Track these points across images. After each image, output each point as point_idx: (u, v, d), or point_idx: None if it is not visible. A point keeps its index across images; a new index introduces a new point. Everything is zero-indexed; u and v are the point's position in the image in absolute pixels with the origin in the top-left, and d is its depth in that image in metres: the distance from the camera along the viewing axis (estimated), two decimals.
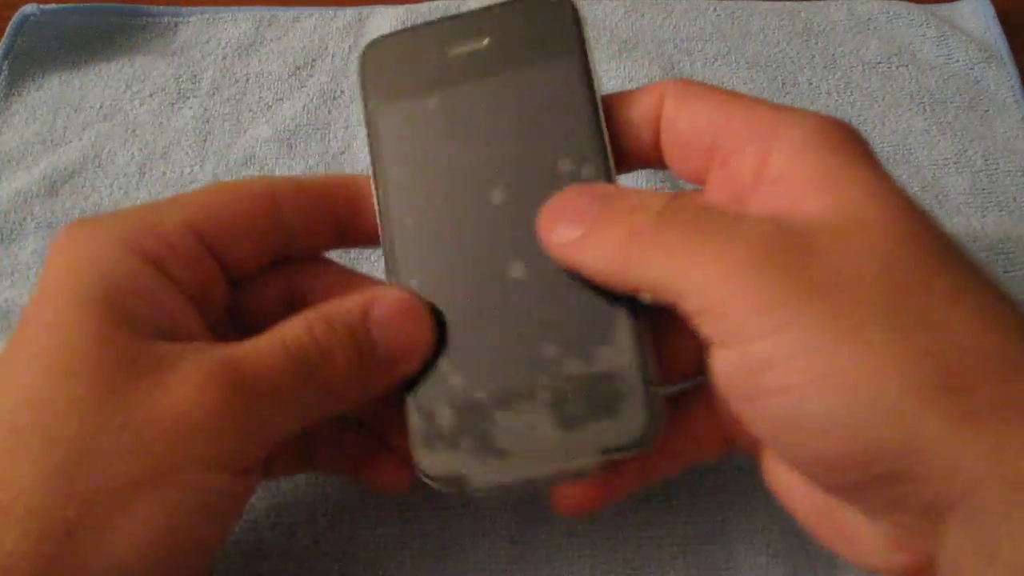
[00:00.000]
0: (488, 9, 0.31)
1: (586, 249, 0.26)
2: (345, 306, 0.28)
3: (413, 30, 0.32)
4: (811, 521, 0.27)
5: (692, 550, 0.33)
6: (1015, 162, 0.44)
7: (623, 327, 0.27)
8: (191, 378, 0.25)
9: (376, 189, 0.30)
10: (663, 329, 0.28)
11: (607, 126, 0.29)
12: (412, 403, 0.28)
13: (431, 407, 0.28)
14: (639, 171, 0.36)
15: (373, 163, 0.31)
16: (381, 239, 0.30)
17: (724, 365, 0.24)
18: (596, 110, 0.29)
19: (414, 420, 0.28)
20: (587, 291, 0.27)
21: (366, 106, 0.31)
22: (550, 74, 0.30)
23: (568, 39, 0.30)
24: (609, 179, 0.28)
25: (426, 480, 0.28)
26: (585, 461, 0.27)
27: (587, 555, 0.32)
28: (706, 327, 0.24)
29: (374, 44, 0.32)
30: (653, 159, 0.29)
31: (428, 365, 0.28)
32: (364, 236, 0.31)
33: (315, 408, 0.27)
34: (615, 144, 0.29)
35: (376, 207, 0.30)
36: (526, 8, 0.31)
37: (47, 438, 0.24)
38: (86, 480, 0.24)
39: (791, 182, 0.24)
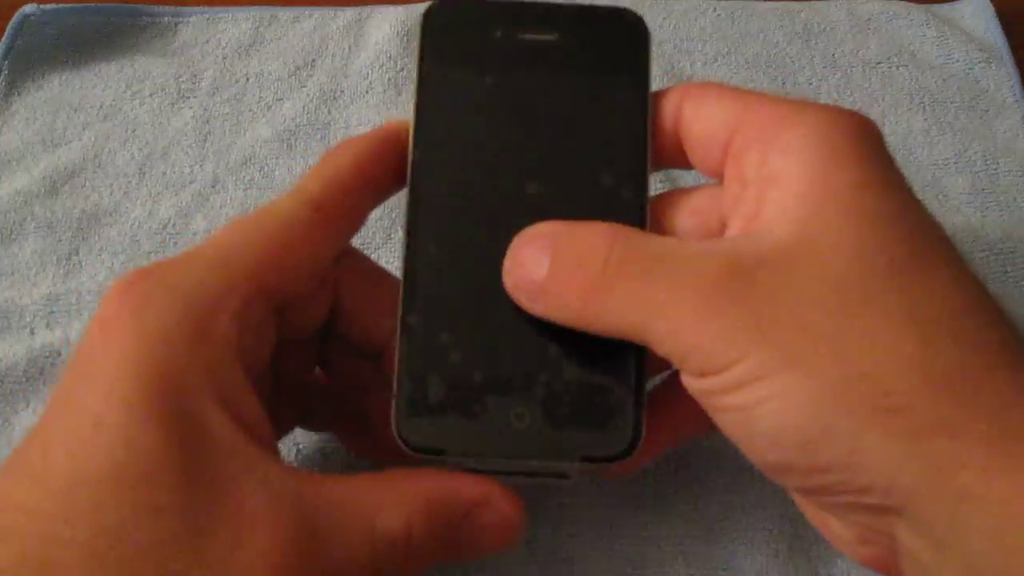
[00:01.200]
0: (568, 6, 0.31)
1: (547, 306, 0.26)
2: (452, 505, 0.26)
3: (485, 1, 0.31)
4: (802, 508, 0.28)
5: (692, 550, 0.33)
6: (1015, 162, 0.44)
7: (627, 345, 0.27)
8: (268, 542, 0.23)
9: (413, 149, 0.30)
10: None
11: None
12: (404, 367, 0.28)
13: (424, 376, 0.28)
14: None
15: (416, 123, 0.30)
16: (408, 201, 0.29)
17: (691, 388, 0.26)
18: (647, 138, 0.29)
19: (403, 384, 0.28)
20: None
21: (421, 65, 0.31)
22: (611, 88, 0.30)
23: (635, 60, 0.30)
24: (643, 200, 0.29)
25: (401, 446, 0.28)
26: (564, 464, 0.27)
27: (587, 555, 0.32)
28: (675, 363, 0.25)
29: (444, 4, 0.31)
30: (678, 161, 0.29)
31: (431, 335, 0.28)
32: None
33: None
34: None
35: (409, 166, 0.30)
36: (605, 17, 0.31)
37: None
38: None
39: (780, 184, 0.25)
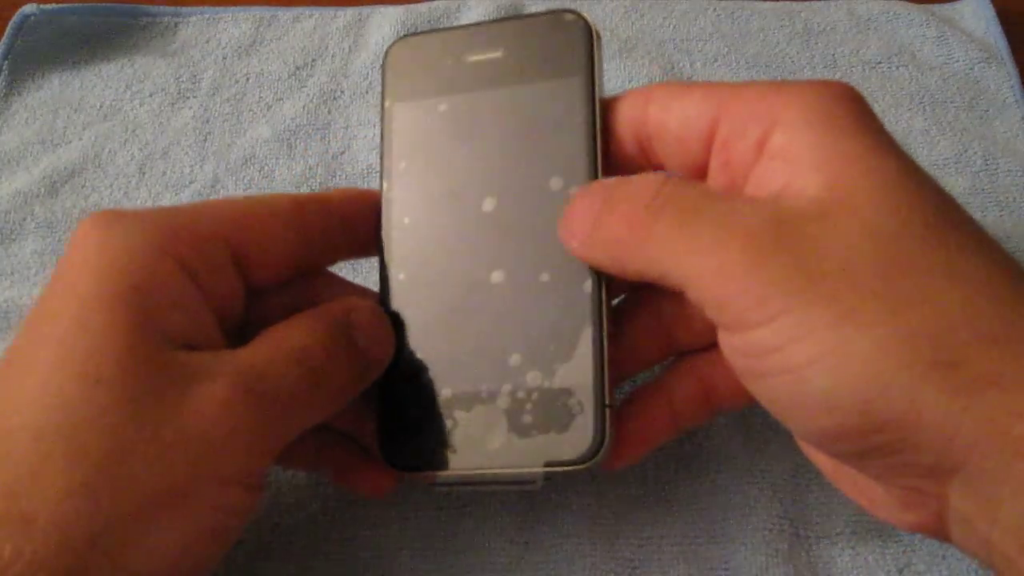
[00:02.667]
0: (508, 20, 0.33)
1: (593, 246, 0.27)
2: (331, 312, 0.28)
3: (437, 32, 0.33)
4: (834, 476, 0.28)
5: (692, 550, 0.33)
6: (1015, 162, 0.44)
7: (585, 347, 0.28)
8: (215, 394, 0.25)
9: (382, 183, 0.31)
10: (632, 317, 0.29)
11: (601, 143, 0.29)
12: (383, 394, 0.30)
13: (400, 400, 0.30)
14: None
15: (382, 158, 0.32)
16: (382, 231, 0.31)
17: (729, 348, 0.25)
18: (594, 133, 0.30)
19: (383, 410, 0.30)
20: (559, 307, 0.29)
21: (383, 102, 0.32)
22: (556, 92, 0.30)
23: (579, 59, 0.30)
24: None
25: (385, 464, 0.30)
26: (529, 470, 0.28)
27: (587, 555, 0.32)
28: (709, 313, 0.25)
29: (399, 43, 0.33)
30: (637, 165, 0.29)
31: (406, 360, 0.30)
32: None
33: (319, 411, 0.28)
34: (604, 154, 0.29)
35: (381, 201, 0.31)
36: (545, 23, 0.31)
37: (74, 449, 0.23)
38: (111, 495, 0.23)
39: (789, 159, 0.25)
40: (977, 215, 0.41)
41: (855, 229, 0.23)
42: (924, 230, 0.23)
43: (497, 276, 0.30)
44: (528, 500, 0.34)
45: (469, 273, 0.30)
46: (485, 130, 0.31)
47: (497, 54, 0.31)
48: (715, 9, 0.50)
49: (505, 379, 0.29)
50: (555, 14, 0.31)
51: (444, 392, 0.30)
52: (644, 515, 0.33)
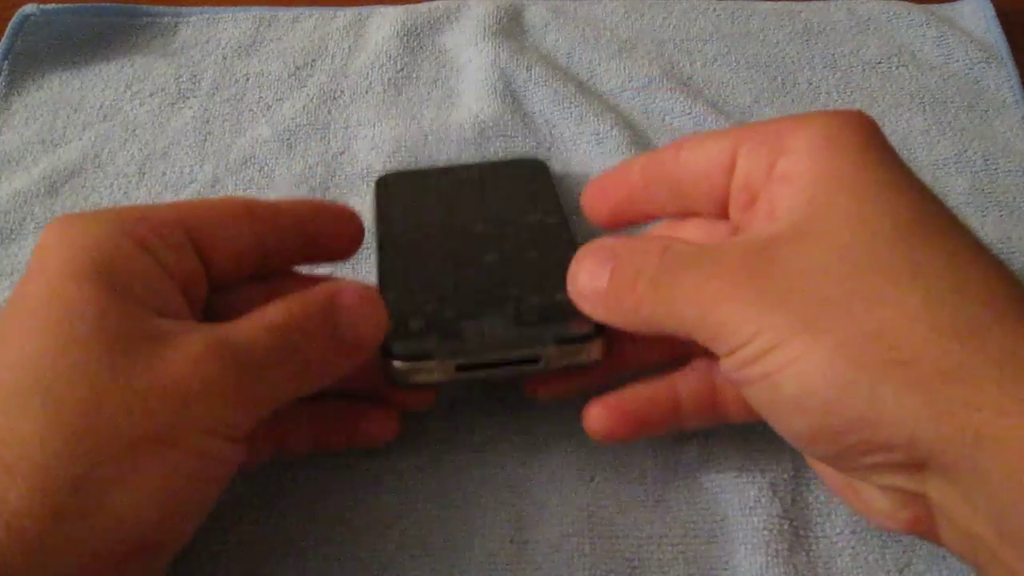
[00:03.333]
0: (481, 163, 0.42)
1: (606, 309, 0.30)
2: (315, 293, 0.29)
3: (421, 170, 0.42)
4: (835, 487, 0.30)
5: (691, 550, 0.33)
6: (1015, 162, 0.44)
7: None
8: (189, 351, 0.26)
9: (378, 262, 0.36)
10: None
11: None
12: (389, 292, 0.34)
13: (405, 319, 0.32)
14: None
15: (379, 250, 0.37)
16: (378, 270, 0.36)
17: (724, 367, 0.27)
18: (569, 229, 0.37)
19: (389, 307, 0.31)
20: (549, 254, 0.35)
21: (377, 211, 0.39)
22: (526, 195, 0.39)
23: (543, 181, 0.40)
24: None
25: (393, 367, 0.31)
26: (540, 348, 0.31)
27: (586, 555, 0.32)
28: (711, 348, 0.27)
29: (390, 175, 0.41)
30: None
31: (406, 298, 0.33)
32: (334, 253, 0.34)
33: (296, 383, 0.29)
34: None
35: (376, 271, 0.36)
36: (512, 162, 0.42)
37: (52, 400, 0.24)
38: (92, 439, 0.24)
39: (787, 181, 0.27)
40: (977, 215, 0.42)
41: (823, 246, 0.25)
42: (893, 233, 0.25)
43: (486, 227, 0.36)
44: (527, 500, 0.34)
45: (463, 241, 0.36)
46: (467, 224, 0.37)
47: (475, 176, 0.40)
48: (715, 9, 0.50)
49: (506, 299, 0.33)
50: (519, 159, 0.42)
51: (447, 313, 0.33)
52: (643, 515, 0.33)
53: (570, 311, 0.31)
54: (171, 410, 0.25)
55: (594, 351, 0.32)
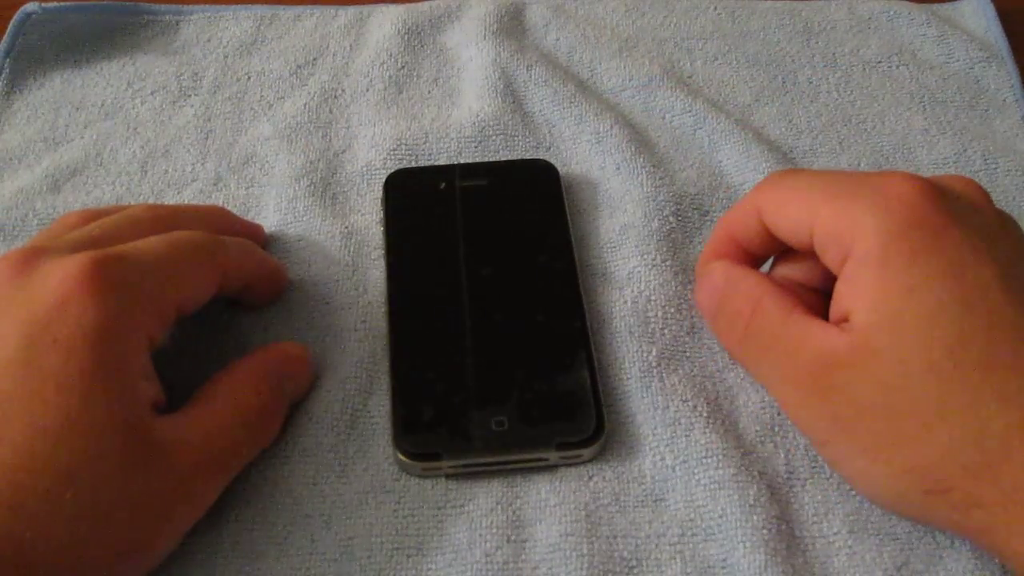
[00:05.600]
0: (492, 163, 0.43)
1: (714, 328, 0.37)
2: (269, 368, 0.34)
3: (430, 167, 0.43)
4: None
5: (690, 550, 0.33)
6: (1015, 161, 0.44)
7: (581, 359, 0.36)
8: (183, 465, 0.30)
9: (387, 268, 0.39)
10: None
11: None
12: (398, 398, 0.35)
13: (415, 403, 0.35)
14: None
15: (387, 252, 0.40)
16: (387, 297, 0.38)
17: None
18: (570, 239, 0.40)
19: (398, 411, 0.35)
20: (554, 335, 0.37)
21: (386, 210, 0.41)
22: (534, 205, 0.41)
23: (552, 187, 0.41)
24: (576, 285, 0.38)
25: (403, 461, 0.34)
26: (543, 452, 0.34)
27: (584, 554, 0.32)
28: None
29: (399, 171, 0.42)
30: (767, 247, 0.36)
31: (417, 376, 0.35)
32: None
33: (251, 455, 0.33)
34: None
35: (385, 276, 0.39)
36: (522, 164, 0.43)
37: (84, 507, 0.27)
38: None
39: (852, 291, 0.31)
40: None
41: (872, 381, 0.30)
42: (925, 375, 0.29)
43: (497, 315, 0.37)
44: (527, 501, 0.34)
45: (472, 316, 0.37)
46: (477, 230, 0.40)
47: (484, 182, 0.41)
48: (715, 8, 0.50)
49: (513, 387, 0.35)
50: (531, 160, 0.43)
51: (456, 398, 0.35)
52: (642, 514, 0.33)
53: (575, 404, 0.34)
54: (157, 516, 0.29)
55: (596, 449, 0.34)
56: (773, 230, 0.34)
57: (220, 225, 0.38)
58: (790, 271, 0.35)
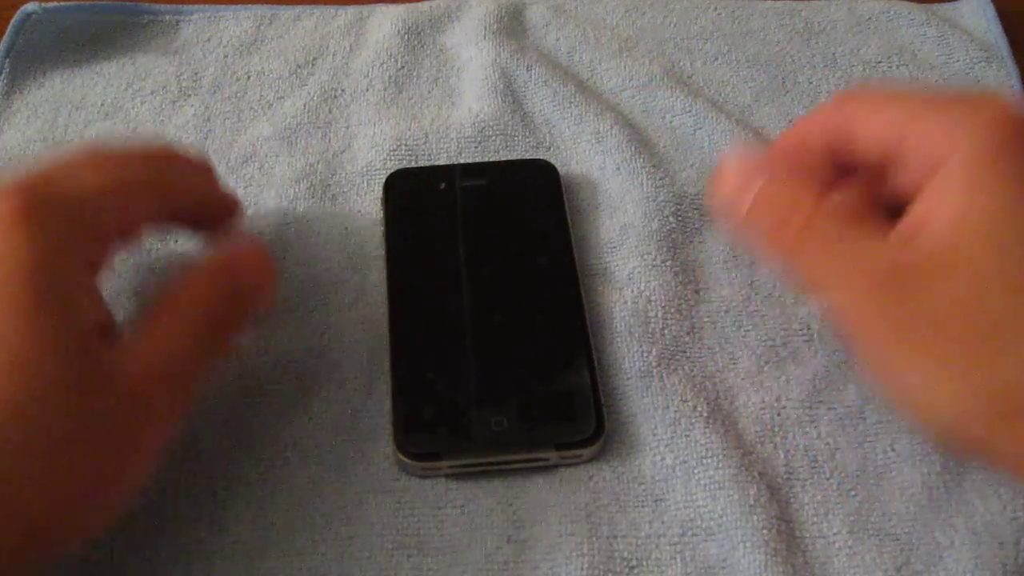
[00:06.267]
0: (492, 162, 0.43)
1: (748, 229, 0.33)
2: (222, 272, 0.33)
3: (431, 167, 0.43)
4: None
5: (690, 550, 0.33)
6: None
7: (581, 359, 0.36)
8: (134, 391, 0.29)
9: (387, 262, 0.39)
10: None
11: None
12: (398, 398, 0.35)
13: (415, 403, 0.35)
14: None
15: (387, 247, 0.40)
16: (387, 295, 0.38)
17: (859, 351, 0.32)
18: (568, 235, 0.40)
19: (399, 411, 0.35)
20: (554, 335, 0.37)
21: (386, 208, 0.41)
22: (534, 201, 0.41)
23: (552, 185, 0.42)
24: (576, 285, 0.38)
25: (404, 461, 0.34)
26: (543, 452, 0.34)
27: (584, 554, 0.32)
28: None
29: (400, 171, 0.42)
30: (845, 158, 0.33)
31: (417, 376, 0.35)
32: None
33: (213, 358, 0.33)
34: None
35: (386, 274, 0.39)
36: (522, 164, 0.43)
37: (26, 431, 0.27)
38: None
39: (944, 196, 0.29)
40: None
41: (956, 290, 0.28)
42: (1011, 292, 0.27)
43: (498, 316, 0.37)
44: (526, 500, 0.34)
45: (474, 314, 0.37)
46: (477, 227, 0.40)
47: (484, 182, 0.41)
48: (715, 8, 0.50)
49: (513, 386, 0.35)
50: (531, 160, 0.43)
51: (456, 398, 0.35)
52: (642, 514, 0.33)
53: (575, 404, 0.34)
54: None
55: (595, 450, 0.34)
56: (857, 139, 0.32)
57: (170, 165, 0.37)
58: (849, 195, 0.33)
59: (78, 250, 0.30)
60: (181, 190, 0.35)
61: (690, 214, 0.42)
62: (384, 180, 0.42)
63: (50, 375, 0.27)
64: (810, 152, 0.33)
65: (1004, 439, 0.28)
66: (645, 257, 0.40)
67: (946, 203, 0.29)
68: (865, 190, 0.32)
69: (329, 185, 0.43)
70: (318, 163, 0.44)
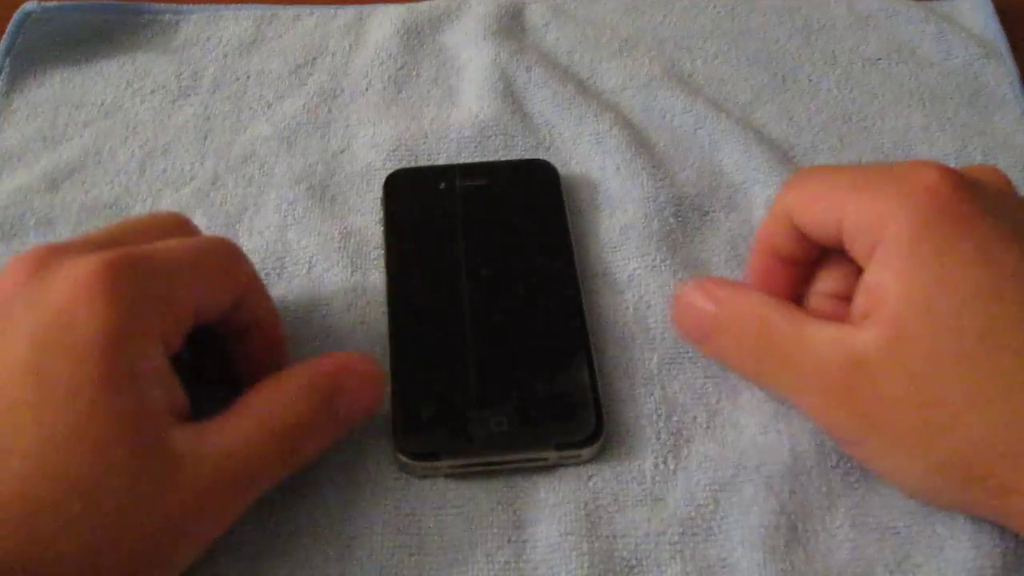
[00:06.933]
0: (492, 163, 0.43)
1: (709, 352, 0.36)
2: (318, 380, 0.31)
3: (431, 167, 0.43)
4: None
5: (689, 549, 0.33)
6: (1015, 158, 0.44)
7: (581, 360, 0.36)
8: (200, 477, 0.28)
9: (386, 265, 0.39)
10: None
11: None
12: (398, 398, 0.35)
13: (415, 403, 0.35)
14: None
15: (386, 246, 0.40)
16: (387, 298, 0.38)
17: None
18: (568, 238, 0.40)
19: (398, 411, 0.35)
20: (554, 336, 0.37)
21: (386, 210, 0.41)
22: (534, 204, 0.41)
23: (551, 187, 0.42)
24: (576, 286, 0.38)
25: (403, 461, 0.34)
26: (542, 452, 0.34)
27: (584, 553, 0.32)
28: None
29: (400, 171, 0.42)
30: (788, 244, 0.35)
31: (416, 376, 0.35)
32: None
33: (288, 471, 0.31)
34: None
35: (385, 276, 0.39)
36: (522, 164, 0.43)
37: (89, 512, 0.26)
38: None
39: (882, 281, 0.30)
40: None
41: (902, 374, 0.29)
42: (957, 362, 0.28)
43: (497, 316, 0.37)
44: (526, 501, 0.34)
45: (473, 316, 0.37)
46: (477, 228, 0.40)
47: (484, 182, 0.41)
48: (715, 6, 0.50)
49: (512, 387, 0.35)
50: (530, 160, 0.43)
51: (456, 399, 0.35)
52: (642, 513, 0.33)
53: (574, 404, 0.35)
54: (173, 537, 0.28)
55: (595, 450, 0.34)
56: (804, 230, 0.33)
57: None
58: (832, 282, 0.34)
59: (154, 326, 0.29)
60: (255, 286, 0.34)
61: (690, 215, 0.42)
62: (384, 180, 0.42)
63: (112, 455, 0.26)
64: (777, 258, 0.35)
65: (976, 503, 0.30)
66: (645, 258, 0.40)
67: (888, 282, 0.29)
68: (841, 282, 0.34)
69: (329, 185, 0.43)
70: (318, 163, 0.44)
